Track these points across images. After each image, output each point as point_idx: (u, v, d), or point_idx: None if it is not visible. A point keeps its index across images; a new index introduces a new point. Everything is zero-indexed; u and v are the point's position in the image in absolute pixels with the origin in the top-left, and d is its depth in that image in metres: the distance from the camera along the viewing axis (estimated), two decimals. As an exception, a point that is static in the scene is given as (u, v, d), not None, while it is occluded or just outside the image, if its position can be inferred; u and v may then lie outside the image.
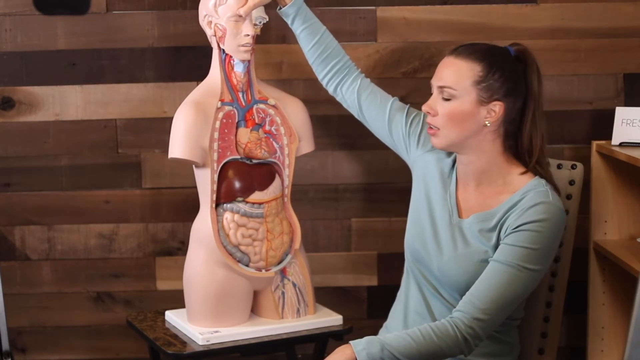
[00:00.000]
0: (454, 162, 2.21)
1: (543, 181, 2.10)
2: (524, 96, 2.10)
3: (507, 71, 2.07)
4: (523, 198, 2.06)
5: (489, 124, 2.07)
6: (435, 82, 2.11)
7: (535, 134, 2.11)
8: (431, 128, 2.11)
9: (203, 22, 2.37)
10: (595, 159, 2.68)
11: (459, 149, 2.12)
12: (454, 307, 2.04)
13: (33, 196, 2.85)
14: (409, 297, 2.23)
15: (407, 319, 2.22)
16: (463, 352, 2.00)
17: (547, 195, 2.06)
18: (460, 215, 2.15)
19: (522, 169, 2.12)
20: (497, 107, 2.06)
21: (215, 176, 2.33)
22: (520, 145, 2.12)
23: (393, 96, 2.36)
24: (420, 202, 2.23)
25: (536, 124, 2.11)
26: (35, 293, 2.89)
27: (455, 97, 2.06)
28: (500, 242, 2.05)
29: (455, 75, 2.06)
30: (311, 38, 2.36)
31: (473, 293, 2.01)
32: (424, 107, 2.11)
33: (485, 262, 2.06)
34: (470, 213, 2.14)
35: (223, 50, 2.36)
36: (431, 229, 2.18)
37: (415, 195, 2.26)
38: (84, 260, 2.88)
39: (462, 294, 2.06)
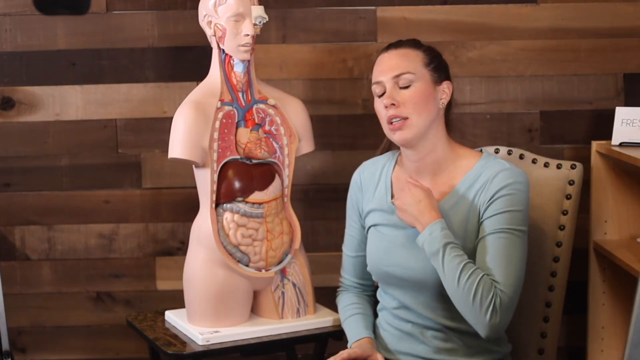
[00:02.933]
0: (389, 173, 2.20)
1: (491, 156, 2.12)
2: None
3: (441, 57, 2.15)
4: (481, 174, 2.07)
5: (442, 106, 2.12)
6: (386, 76, 2.09)
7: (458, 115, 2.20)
8: (395, 122, 2.07)
9: (203, 22, 2.37)
10: (595, 159, 2.68)
11: (420, 139, 2.08)
12: (435, 319, 2.05)
13: (33, 196, 2.85)
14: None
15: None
16: (486, 318, 1.94)
17: (503, 164, 2.08)
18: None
19: (466, 150, 2.14)
20: (447, 87, 2.12)
21: (215, 176, 2.33)
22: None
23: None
24: (372, 227, 2.21)
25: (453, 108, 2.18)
26: (35, 293, 2.89)
27: (414, 80, 2.08)
28: (482, 220, 2.03)
29: (408, 61, 2.10)
30: None
31: (485, 270, 1.97)
32: (386, 101, 2.07)
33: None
34: None
35: (223, 50, 2.36)
36: (393, 242, 2.14)
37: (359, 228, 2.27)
38: (84, 260, 2.88)
39: (443, 293, 2.01)
